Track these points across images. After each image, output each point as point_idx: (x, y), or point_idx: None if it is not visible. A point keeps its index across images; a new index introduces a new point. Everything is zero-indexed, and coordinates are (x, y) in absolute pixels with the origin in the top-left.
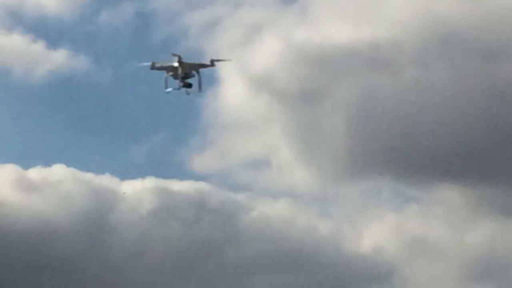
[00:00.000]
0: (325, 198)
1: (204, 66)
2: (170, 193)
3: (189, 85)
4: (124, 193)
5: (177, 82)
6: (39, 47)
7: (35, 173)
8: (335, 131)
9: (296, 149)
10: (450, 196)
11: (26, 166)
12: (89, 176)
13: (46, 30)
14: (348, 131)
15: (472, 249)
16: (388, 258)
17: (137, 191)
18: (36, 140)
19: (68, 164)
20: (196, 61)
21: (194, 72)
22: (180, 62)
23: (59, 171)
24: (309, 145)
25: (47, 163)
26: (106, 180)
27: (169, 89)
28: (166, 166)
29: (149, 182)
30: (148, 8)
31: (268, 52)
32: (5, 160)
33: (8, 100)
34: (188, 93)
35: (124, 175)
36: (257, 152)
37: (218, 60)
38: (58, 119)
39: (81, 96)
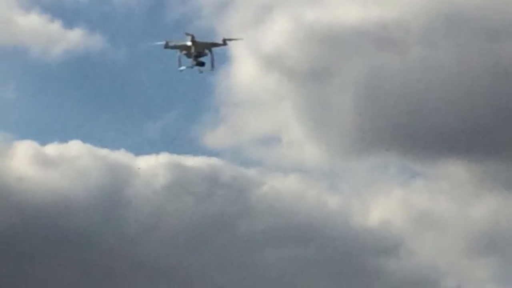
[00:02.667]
0: (334, 173)
1: (216, 45)
2: (183, 168)
3: (202, 64)
4: (139, 168)
5: (190, 61)
6: (56, 26)
7: (52, 149)
8: (343, 108)
9: (306, 125)
10: (455, 171)
11: (43, 142)
12: (104, 151)
13: (63, 10)
14: (356, 108)
15: (477, 222)
16: (395, 232)
17: (151, 166)
18: (53, 116)
19: (84, 140)
20: (209, 40)
21: (206, 51)
22: (193, 41)
23: (75, 147)
24: (319, 122)
25: (64, 139)
26: (121, 156)
27: (183, 67)
28: (180, 142)
29: (163, 158)
30: None
31: (278, 31)
32: (23, 136)
33: (26, 78)
34: (201, 71)
35: (139, 151)
36: (268, 128)
37: (230, 39)
38: (75, 96)
39: (96, 74)
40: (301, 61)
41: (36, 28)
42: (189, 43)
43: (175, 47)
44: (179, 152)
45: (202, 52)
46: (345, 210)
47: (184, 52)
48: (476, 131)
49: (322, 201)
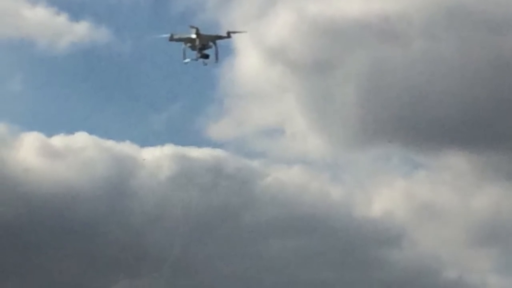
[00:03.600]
0: (337, 165)
1: (220, 37)
2: (188, 160)
3: (206, 56)
4: (144, 159)
5: (194, 53)
6: (62, 19)
7: (58, 140)
8: (346, 100)
9: (309, 117)
10: (457, 162)
11: (49, 134)
12: (110, 143)
13: (69, 3)
14: (359, 101)
15: (478, 213)
16: (398, 222)
17: (156, 158)
18: (59, 108)
19: (90, 132)
20: (213, 33)
21: (211, 44)
22: (197, 34)
23: (81, 139)
24: (322, 113)
25: (70, 131)
26: (126, 147)
27: (187, 60)
28: (184, 134)
29: (168, 149)
30: None
31: (282, 24)
32: (30, 128)
33: (32, 70)
34: (205, 64)
35: (144, 143)
36: (272, 120)
37: (234, 32)
38: (80, 88)
39: (102, 66)
40: (304, 54)
41: (42, 21)
42: (193, 36)
43: (180, 39)
44: (184, 143)
45: (207, 45)
46: (348, 201)
47: (188, 44)
48: (477, 123)
49: (325, 192)
